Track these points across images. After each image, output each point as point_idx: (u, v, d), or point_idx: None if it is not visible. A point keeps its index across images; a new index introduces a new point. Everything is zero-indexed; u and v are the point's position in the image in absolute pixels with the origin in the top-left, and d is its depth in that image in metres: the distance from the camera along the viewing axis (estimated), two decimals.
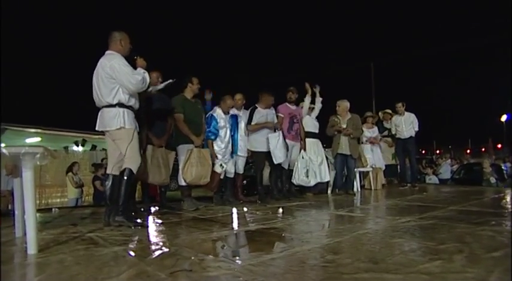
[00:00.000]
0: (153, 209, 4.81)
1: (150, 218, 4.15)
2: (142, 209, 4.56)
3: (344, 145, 6.68)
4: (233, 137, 5.44)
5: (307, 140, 6.38)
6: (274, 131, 5.77)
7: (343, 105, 6.85)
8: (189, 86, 5.03)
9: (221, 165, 5.09)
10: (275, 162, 5.67)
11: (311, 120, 6.56)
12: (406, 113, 8.01)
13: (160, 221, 3.96)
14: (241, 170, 5.69)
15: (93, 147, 11.60)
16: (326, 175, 6.39)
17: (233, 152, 5.48)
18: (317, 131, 6.59)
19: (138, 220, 3.61)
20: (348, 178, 6.80)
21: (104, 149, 10.84)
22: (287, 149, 5.86)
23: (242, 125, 5.62)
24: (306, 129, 6.40)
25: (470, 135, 53.32)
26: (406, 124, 7.92)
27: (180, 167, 4.81)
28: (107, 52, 3.64)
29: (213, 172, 4.98)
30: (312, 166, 6.21)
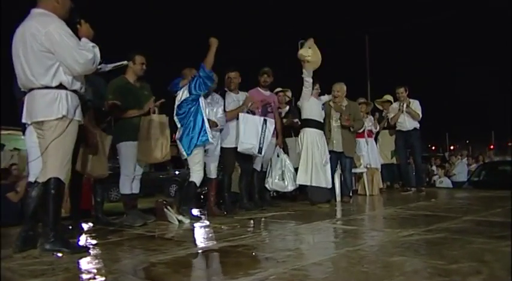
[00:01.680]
0: (86, 226, 4.77)
1: (82, 238, 4.10)
2: (70, 227, 4.49)
3: (335, 140, 6.68)
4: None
5: (309, 130, 6.35)
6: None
7: (343, 89, 6.90)
8: (131, 66, 4.98)
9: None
10: (244, 149, 5.70)
11: (317, 105, 6.53)
12: (409, 99, 8.16)
13: (95, 241, 3.93)
14: (213, 174, 5.69)
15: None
16: (330, 178, 6.40)
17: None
18: (322, 120, 6.52)
19: (81, 243, 3.52)
20: (342, 182, 6.89)
21: (16, 149, 10.53)
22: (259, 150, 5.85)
23: (220, 110, 5.62)
24: (309, 117, 6.38)
25: (494, 127, 53.33)
26: (410, 113, 8.06)
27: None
28: (36, 11, 3.35)
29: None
30: (289, 166, 6.28)
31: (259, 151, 5.76)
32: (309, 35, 6.44)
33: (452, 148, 51.62)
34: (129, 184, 4.89)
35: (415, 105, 8.13)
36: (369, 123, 8.00)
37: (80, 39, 3.39)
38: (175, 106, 5.07)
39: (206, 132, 4.97)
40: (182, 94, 5.04)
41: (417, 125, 8.13)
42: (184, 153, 4.98)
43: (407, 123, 8.06)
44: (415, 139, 8.11)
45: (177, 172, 17.46)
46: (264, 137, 5.77)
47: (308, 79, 6.25)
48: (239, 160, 5.97)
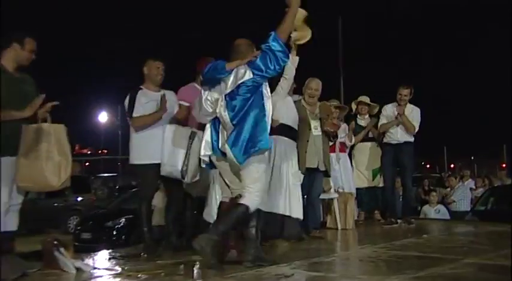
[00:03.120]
0: None
1: None
2: None
3: (312, 154, 6.82)
4: None
5: (281, 139, 6.44)
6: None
7: (320, 87, 7.07)
8: (14, 49, 4.87)
9: None
10: (166, 173, 5.71)
11: (293, 106, 6.67)
12: (409, 104, 8.41)
13: None
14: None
15: None
16: (301, 205, 6.46)
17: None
18: (296, 126, 6.67)
19: None
20: (310, 208, 6.94)
21: None
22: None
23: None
24: (281, 121, 6.40)
25: (506, 140, 54.02)
26: (404, 124, 8.26)
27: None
28: None
29: None
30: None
31: (183, 176, 5.74)
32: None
33: (452, 166, 53.05)
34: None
35: (414, 114, 8.37)
36: (342, 133, 8.10)
37: None
38: (224, 96, 5.04)
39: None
40: (237, 78, 5.01)
41: (410, 138, 8.36)
42: (235, 161, 4.90)
43: (399, 134, 8.27)
44: (407, 156, 8.34)
45: (79, 199, 17.16)
46: (189, 157, 5.76)
47: (293, 68, 6.33)
48: (165, 182, 5.93)
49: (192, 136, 5.84)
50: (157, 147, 5.77)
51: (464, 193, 13.17)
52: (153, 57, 6.12)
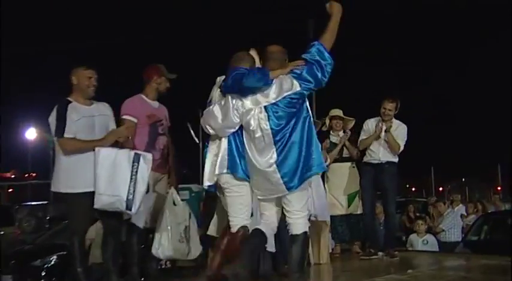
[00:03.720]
0: None
1: None
2: None
3: None
4: None
5: None
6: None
7: None
8: None
9: None
10: (104, 204, 5.69)
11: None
12: (394, 120, 8.53)
13: None
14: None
15: None
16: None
17: None
18: None
19: None
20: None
21: None
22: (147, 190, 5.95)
23: None
24: None
25: (502, 159, 52.73)
26: (388, 142, 8.39)
27: None
28: None
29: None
30: (193, 221, 6.43)
31: (129, 206, 5.72)
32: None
33: (440, 189, 53.74)
34: None
35: (400, 131, 8.52)
36: None
37: None
38: (263, 107, 5.25)
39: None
40: (283, 89, 5.24)
41: (393, 158, 8.50)
42: (281, 189, 5.17)
43: (381, 153, 8.41)
44: (389, 177, 8.45)
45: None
46: (135, 184, 5.75)
47: None
48: (101, 212, 5.90)
49: (135, 159, 5.82)
50: (92, 172, 5.75)
51: (454, 221, 13.17)
52: (83, 65, 6.11)
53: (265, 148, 5.18)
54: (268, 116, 5.18)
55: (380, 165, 8.41)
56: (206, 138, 5.87)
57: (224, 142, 5.41)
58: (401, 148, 8.46)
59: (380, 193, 8.66)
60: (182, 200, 6.59)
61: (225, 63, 5.79)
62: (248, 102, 5.28)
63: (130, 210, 5.72)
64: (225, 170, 5.34)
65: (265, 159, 5.19)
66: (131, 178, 5.75)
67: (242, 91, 5.33)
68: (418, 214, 14.87)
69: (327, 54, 5.20)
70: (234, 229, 5.39)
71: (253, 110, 5.23)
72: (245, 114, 5.26)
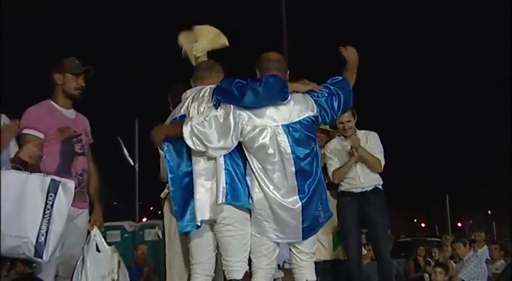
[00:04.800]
0: None
1: None
2: None
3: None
4: None
5: None
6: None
7: None
8: None
9: None
10: (6, 250, 5.57)
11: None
12: (358, 131, 8.65)
13: None
14: None
15: None
16: None
17: None
18: None
19: None
20: None
21: None
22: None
23: None
24: None
25: None
26: (364, 160, 8.48)
27: None
28: None
29: None
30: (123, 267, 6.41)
31: (38, 253, 5.60)
32: None
33: (459, 224, 54.06)
34: None
35: (372, 141, 8.66)
36: None
37: None
38: (280, 127, 5.55)
39: None
40: (300, 109, 5.67)
41: (378, 181, 8.61)
42: (296, 236, 5.59)
43: (362, 178, 8.50)
44: (379, 210, 8.51)
45: None
46: (49, 221, 5.67)
47: None
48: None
49: (52, 188, 5.74)
50: None
51: (478, 269, 12.52)
52: None
53: (285, 178, 5.43)
54: (288, 139, 5.44)
55: (364, 194, 8.50)
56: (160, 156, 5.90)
57: (220, 163, 5.54)
58: (383, 162, 8.57)
59: (367, 231, 8.68)
60: (110, 243, 6.55)
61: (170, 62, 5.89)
62: (259, 119, 5.50)
63: (41, 257, 5.58)
64: (224, 200, 5.43)
65: (287, 194, 5.43)
66: (44, 214, 5.63)
67: (253, 104, 5.54)
68: (431, 259, 14.80)
69: (351, 97, 5.82)
70: (237, 276, 5.55)
71: (267, 129, 5.45)
72: (257, 134, 5.47)
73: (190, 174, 5.72)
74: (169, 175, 5.82)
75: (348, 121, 8.44)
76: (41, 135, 6.15)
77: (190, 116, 5.85)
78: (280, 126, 5.45)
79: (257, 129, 5.45)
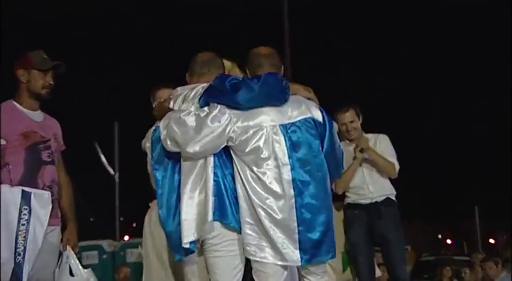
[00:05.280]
0: None
1: None
2: None
3: None
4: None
5: None
6: None
7: None
8: None
9: None
10: None
11: None
12: (365, 135, 8.61)
13: None
14: None
15: None
16: None
17: None
18: None
19: None
20: None
21: None
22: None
23: None
24: None
25: None
26: (374, 164, 8.50)
27: None
28: None
29: None
30: None
31: (16, 276, 5.64)
32: None
33: (492, 241, 53.88)
34: None
35: (382, 144, 8.65)
36: None
37: None
38: (278, 127, 5.54)
39: None
40: (302, 107, 5.69)
41: (391, 191, 8.60)
42: (294, 260, 5.45)
43: (371, 187, 8.47)
44: (392, 223, 8.47)
45: None
46: (25, 239, 5.71)
47: None
48: None
49: (24, 200, 5.79)
50: None
51: None
52: None
53: (281, 189, 5.36)
54: (285, 141, 5.40)
55: (374, 206, 8.43)
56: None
57: (209, 173, 5.49)
58: (397, 167, 8.53)
59: (380, 249, 8.69)
60: (86, 266, 6.55)
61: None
62: (254, 119, 5.47)
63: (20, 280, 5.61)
64: (212, 217, 5.38)
65: (282, 207, 5.35)
66: (18, 230, 5.66)
67: (248, 103, 5.51)
68: (453, 277, 14.78)
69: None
70: None
71: (263, 130, 5.42)
72: (250, 136, 5.43)
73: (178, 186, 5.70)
74: (159, 191, 5.81)
75: (351, 122, 8.44)
76: (2, 142, 6.06)
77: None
78: (278, 127, 5.43)
79: (251, 131, 5.42)
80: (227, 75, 5.72)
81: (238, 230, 5.46)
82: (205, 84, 5.78)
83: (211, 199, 5.37)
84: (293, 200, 5.32)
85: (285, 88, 5.50)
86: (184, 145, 5.49)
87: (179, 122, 5.59)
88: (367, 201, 8.40)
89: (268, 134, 5.35)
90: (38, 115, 6.40)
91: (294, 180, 5.31)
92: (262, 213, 5.33)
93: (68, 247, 6.39)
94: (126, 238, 25.01)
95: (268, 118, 5.43)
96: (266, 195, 5.34)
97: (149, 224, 6.65)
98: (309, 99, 5.69)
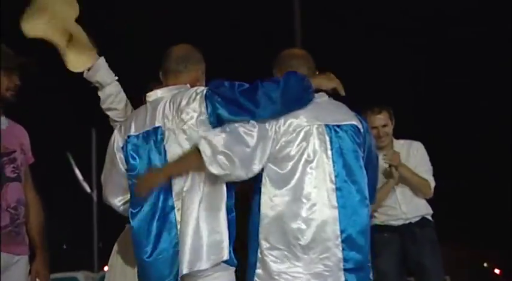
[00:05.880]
0: None
1: None
2: None
3: None
4: None
5: None
6: None
7: None
8: None
9: None
10: None
11: None
12: (396, 141, 8.67)
13: None
14: None
15: None
16: None
17: None
18: None
19: None
20: None
21: None
22: None
23: None
24: None
25: None
26: (407, 183, 8.46)
27: None
28: None
29: None
30: None
31: None
32: None
33: None
34: None
35: (416, 155, 8.63)
36: None
37: None
38: (333, 139, 5.50)
39: None
40: (342, 112, 5.77)
41: (427, 211, 8.60)
42: None
43: (404, 206, 8.47)
44: (429, 249, 8.44)
45: None
46: None
47: None
48: None
49: None
50: None
51: None
52: None
53: (325, 197, 5.33)
54: (331, 144, 5.39)
55: (408, 228, 8.42)
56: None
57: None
58: (433, 184, 8.47)
59: (415, 278, 8.70)
60: None
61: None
62: (296, 118, 5.44)
63: None
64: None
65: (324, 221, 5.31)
66: None
67: (271, 116, 5.46)
68: None
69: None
70: None
71: (309, 128, 5.40)
72: (294, 137, 5.39)
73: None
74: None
75: (384, 126, 8.40)
76: None
77: (168, 130, 5.63)
78: (323, 126, 5.39)
79: (298, 130, 5.37)
80: (224, 81, 5.50)
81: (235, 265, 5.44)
82: (198, 89, 5.61)
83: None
84: (337, 213, 5.32)
85: (308, 87, 5.42)
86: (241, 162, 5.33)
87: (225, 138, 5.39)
88: (400, 222, 8.39)
89: (313, 132, 5.37)
90: (1, 121, 6.31)
91: (340, 199, 5.32)
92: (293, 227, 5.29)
93: (38, 280, 6.41)
94: (106, 268, 24.85)
95: (311, 116, 5.44)
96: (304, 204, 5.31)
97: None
98: (334, 88, 5.66)
